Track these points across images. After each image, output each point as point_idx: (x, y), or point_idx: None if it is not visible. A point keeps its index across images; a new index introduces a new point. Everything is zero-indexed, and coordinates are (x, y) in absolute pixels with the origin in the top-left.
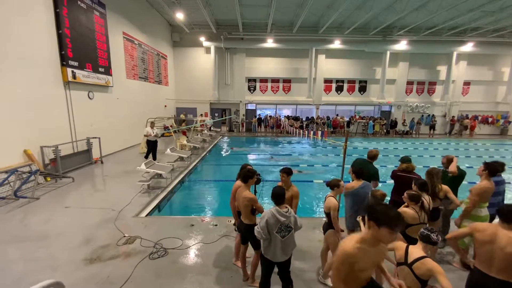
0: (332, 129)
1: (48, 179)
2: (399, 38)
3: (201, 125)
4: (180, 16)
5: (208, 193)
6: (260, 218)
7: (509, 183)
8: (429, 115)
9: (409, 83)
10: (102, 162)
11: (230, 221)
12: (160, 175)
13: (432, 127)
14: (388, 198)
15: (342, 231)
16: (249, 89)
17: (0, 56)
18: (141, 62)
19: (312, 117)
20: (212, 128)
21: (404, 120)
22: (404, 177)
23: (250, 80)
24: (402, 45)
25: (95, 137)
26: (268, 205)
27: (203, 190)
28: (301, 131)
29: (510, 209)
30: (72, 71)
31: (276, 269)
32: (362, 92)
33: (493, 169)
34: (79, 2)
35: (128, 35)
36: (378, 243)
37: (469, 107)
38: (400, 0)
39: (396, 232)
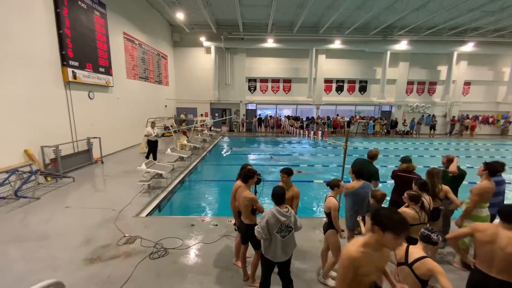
0: (332, 129)
1: (49, 179)
2: (399, 38)
3: (201, 125)
4: (180, 16)
5: (208, 193)
6: (261, 218)
7: (510, 183)
8: (429, 115)
9: (410, 83)
10: (102, 162)
11: (231, 221)
12: (160, 175)
13: (433, 127)
14: (388, 198)
15: (343, 231)
16: (249, 89)
17: (0, 56)
18: (142, 62)
19: (313, 117)
20: (212, 128)
21: (405, 120)
22: (404, 177)
23: (250, 80)
24: (402, 45)
25: (96, 137)
26: (268, 205)
27: (203, 190)
28: (301, 131)
29: (511, 209)
30: (73, 71)
31: (276, 269)
32: (362, 92)
33: (494, 169)
34: (79, 2)
35: (128, 35)
36: (382, 247)
37: (470, 107)
38: (401, 0)
39: (401, 238)
